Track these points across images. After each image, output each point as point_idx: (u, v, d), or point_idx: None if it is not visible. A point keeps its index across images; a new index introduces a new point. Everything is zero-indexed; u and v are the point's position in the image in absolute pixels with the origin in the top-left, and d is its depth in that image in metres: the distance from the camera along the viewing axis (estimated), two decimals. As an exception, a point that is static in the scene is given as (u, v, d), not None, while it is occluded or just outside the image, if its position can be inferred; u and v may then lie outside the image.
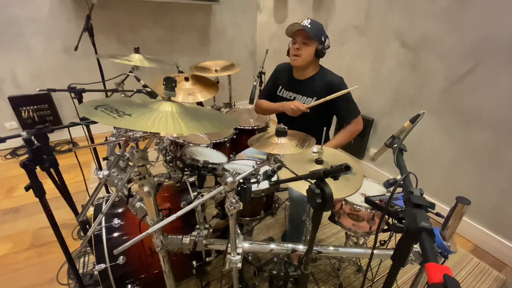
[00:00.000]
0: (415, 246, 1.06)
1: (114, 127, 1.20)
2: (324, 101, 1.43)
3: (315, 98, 1.54)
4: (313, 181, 0.75)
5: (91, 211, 1.28)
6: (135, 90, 1.54)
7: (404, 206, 0.68)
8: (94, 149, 1.78)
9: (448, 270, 0.44)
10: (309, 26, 1.43)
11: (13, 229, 1.86)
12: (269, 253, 1.63)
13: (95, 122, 1.20)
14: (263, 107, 1.73)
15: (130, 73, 1.55)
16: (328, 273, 1.60)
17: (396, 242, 0.66)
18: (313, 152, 1.17)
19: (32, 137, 0.93)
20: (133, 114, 0.69)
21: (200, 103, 2.05)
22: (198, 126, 0.75)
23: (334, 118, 1.66)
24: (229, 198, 0.85)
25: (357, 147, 2.61)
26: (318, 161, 1.15)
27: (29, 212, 2.00)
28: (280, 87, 1.68)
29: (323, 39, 1.47)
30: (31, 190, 0.96)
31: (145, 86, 1.58)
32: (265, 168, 1.01)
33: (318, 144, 1.15)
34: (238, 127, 2.00)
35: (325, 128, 1.13)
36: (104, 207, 1.13)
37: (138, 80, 1.62)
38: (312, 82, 1.57)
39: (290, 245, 1.13)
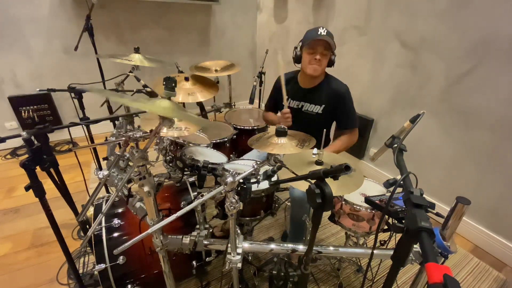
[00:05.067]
0: (415, 246, 1.06)
1: (115, 128, 1.20)
2: None
3: (323, 105, 1.55)
4: (313, 181, 0.75)
5: (91, 211, 1.28)
6: (135, 90, 1.54)
7: (404, 206, 0.68)
8: (94, 149, 1.78)
9: (448, 270, 0.44)
10: (326, 35, 1.42)
11: (13, 229, 1.86)
12: (269, 253, 1.63)
13: (95, 122, 1.21)
14: (269, 120, 1.86)
15: (130, 73, 1.55)
16: (328, 273, 1.60)
17: (396, 242, 0.66)
18: (313, 154, 1.17)
19: (32, 137, 0.93)
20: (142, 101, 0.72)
21: (200, 103, 2.05)
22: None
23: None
24: (229, 198, 0.85)
25: (357, 147, 2.61)
26: (318, 163, 1.15)
27: (29, 212, 2.00)
28: (286, 97, 1.67)
29: (334, 48, 1.47)
30: (31, 190, 0.96)
31: (145, 86, 1.58)
32: (265, 168, 1.01)
33: (318, 147, 1.15)
34: (238, 127, 2.00)
35: (325, 130, 1.13)
36: (104, 207, 1.13)
37: (138, 80, 1.62)
38: (318, 90, 1.57)
39: (290, 245, 1.13)
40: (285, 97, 1.44)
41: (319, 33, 1.42)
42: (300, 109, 1.62)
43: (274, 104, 1.80)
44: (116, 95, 0.67)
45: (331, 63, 1.50)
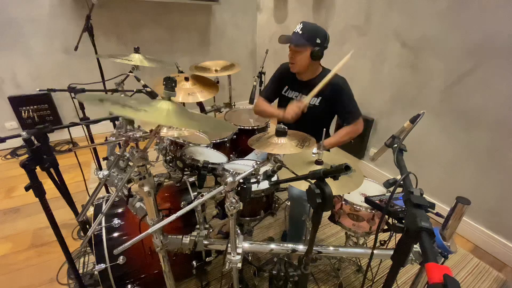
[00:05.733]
0: (415, 246, 1.06)
1: (115, 128, 1.20)
2: (319, 89, 1.45)
3: (320, 98, 1.55)
4: (313, 181, 0.75)
5: (91, 211, 1.28)
6: (135, 90, 1.54)
7: (404, 206, 0.68)
8: (94, 149, 1.78)
9: (448, 270, 0.44)
10: (300, 32, 1.43)
11: (13, 229, 1.86)
12: (269, 253, 1.63)
13: (95, 122, 1.20)
14: (262, 108, 1.71)
15: (130, 73, 1.54)
16: (328, 273, 1.60)
17: (396, 242, 0.66)
18: (313, 153, 1.17)
19: (32, 137, 0.93)
20: (147, 110, 0.70)
21: (200, 103, 2.05)
22: (191, 123, 0.75)
23: (334, 119, 1.67)
24: (229, 198, 0.85)
25: (357, 147, 2.62)
26: (318, 162, 1.15)
27: (29, 212, 2.00)
28: (286, 87, 1.68)
29: (318, 41, 1.45)
30: (31, 190, 0.96)
31: (145, 86, 1.58)
32: (265, 168, 1.01)
33: (317, 141, 1.15)
34: (238, 127, 2.00)
35: (324, 129, 1.13)
36: (104, 207, 1.13)
37: (138, 80, 1.62)
38: (315, 83, 1.56)
39: (290, 245, 1.13)
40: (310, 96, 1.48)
41: (295, 29, 1.46)
42: (296, 101, 1.63)
43: (273, 91, 1.73)
44: (116, 107, 0.65)
45: (314, 57, 1.47)
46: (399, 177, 0.74)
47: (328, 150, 1.71)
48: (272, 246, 1.13)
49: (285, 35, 1.46)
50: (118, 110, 0.64)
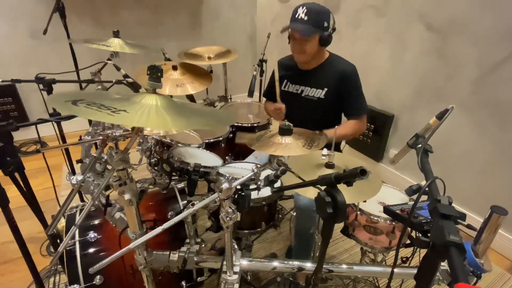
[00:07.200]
0: (442, 263, 1.06)
1: (90, 125, 1.20)
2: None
3: (325, 89, 1.55)
4: (323, 188, 0.76)
5: (62, 223, 1.28)
6: (114, 80, 1.54)
7: (429, 217, 0.68)
8: (66, 150, 1.78)
9: (481, 292, 0.44)
10: (305, 18, 1.41)
11: (-29, 244, 1.86)
12: (271, 272, 1.64)
13: (67, 118, 1.21)
14: (267, 110, 1.89)
15: (109, 61, 1.55)
16: (341, 296, 1.60)
17: (421, 259, 0.66)
18: (323, 155, 1.17)
19: (-7, 136, 0.93)
20: (128, 110, 0.68)
21: (190, 96, 2.05)
22: (187, 123, 0.75)
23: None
24: (225, 207, 0.85)
25: (375, 147, 2.62)
26: (329, 165, 1.16)
27: (-11, 224, 2.01)
28: (285, 81, 1.70)
29: (325, 24, 1.45)
30: (-8, 199, 0.96)
31: (126, 76, 1.58)
32: (267, 172, 1.01)
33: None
34: (235, 124, 2.00)
35: (336, 126, 1.13)
36: (78, 218, 1.13)
37: (118, 69, 1.62)
38: (320, 71, 1.58)
39: (296, 263, 1.14)
40: (278, 93, 1.53)
41: (297, 15, 1.44)
42: (300, 94, 1.63)
43: (271, 92, 1.79)
44: (91, 112, 0.64)
45: (324, 42, 1.48)
46: (423, 182, 0.74)
47: (340, 151, 1.71)
48: (275, 263, 1.13)
49: (299, 19, 1.42)
50: (93, 115, 0.64)
